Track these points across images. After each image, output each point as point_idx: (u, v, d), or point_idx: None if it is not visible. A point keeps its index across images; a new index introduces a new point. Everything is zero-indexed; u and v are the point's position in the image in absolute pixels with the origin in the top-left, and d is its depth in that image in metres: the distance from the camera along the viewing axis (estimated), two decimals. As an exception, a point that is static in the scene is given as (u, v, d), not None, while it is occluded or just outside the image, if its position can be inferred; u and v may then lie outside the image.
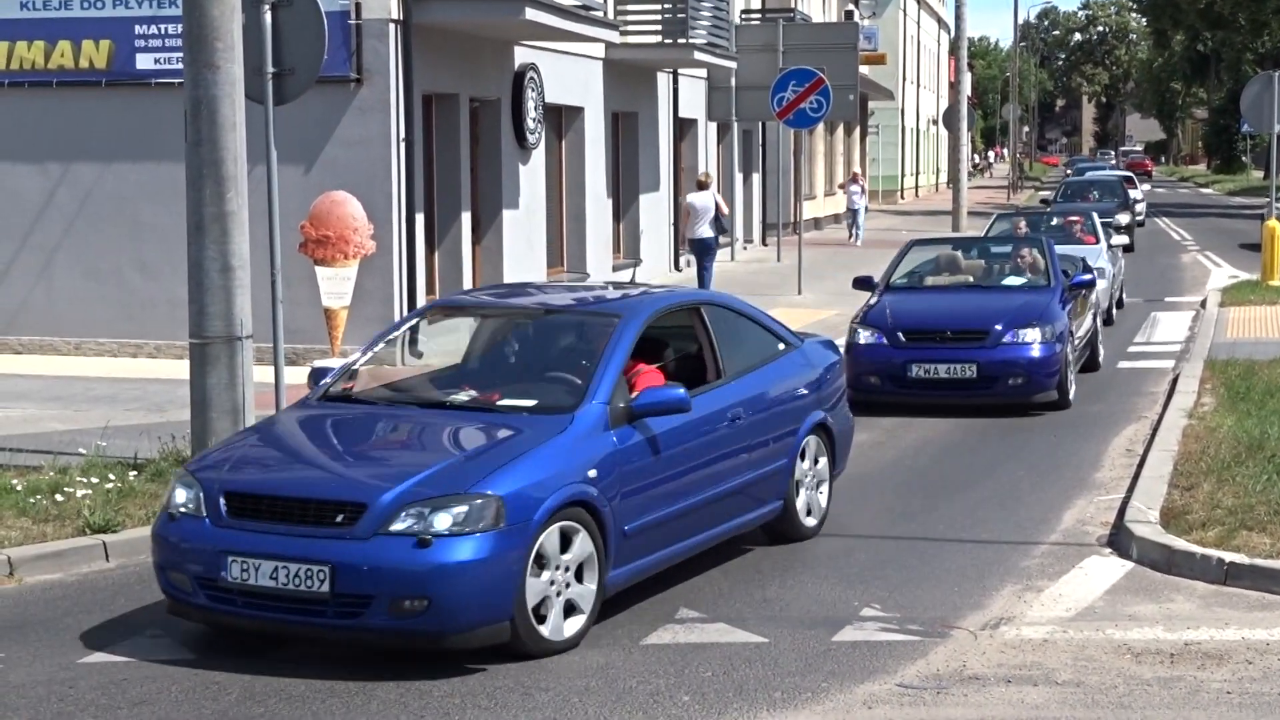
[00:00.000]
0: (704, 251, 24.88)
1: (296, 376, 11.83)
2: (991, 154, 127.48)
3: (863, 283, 17.04)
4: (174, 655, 7.86)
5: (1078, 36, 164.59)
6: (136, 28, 18.28)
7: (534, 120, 22.02)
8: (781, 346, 10.29)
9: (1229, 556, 9.12)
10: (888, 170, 63.67)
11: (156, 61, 18.24)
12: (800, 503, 10.14)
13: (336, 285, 16.92)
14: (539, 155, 22.58)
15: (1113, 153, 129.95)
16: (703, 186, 25.51)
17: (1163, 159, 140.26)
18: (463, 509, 7.46)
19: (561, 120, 24.73)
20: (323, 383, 9.18)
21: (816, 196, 45.95)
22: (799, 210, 31.55)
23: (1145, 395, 16.07)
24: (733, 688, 7.39)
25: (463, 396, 8.85)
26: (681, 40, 26.94)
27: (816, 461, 10.36)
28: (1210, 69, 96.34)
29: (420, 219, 18.70)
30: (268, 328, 11.85)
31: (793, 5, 36.57)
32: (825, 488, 10.50)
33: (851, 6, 49.39)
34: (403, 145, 18.12)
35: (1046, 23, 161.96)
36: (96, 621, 8.45)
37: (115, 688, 7.39)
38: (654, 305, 9.36)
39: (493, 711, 7.12)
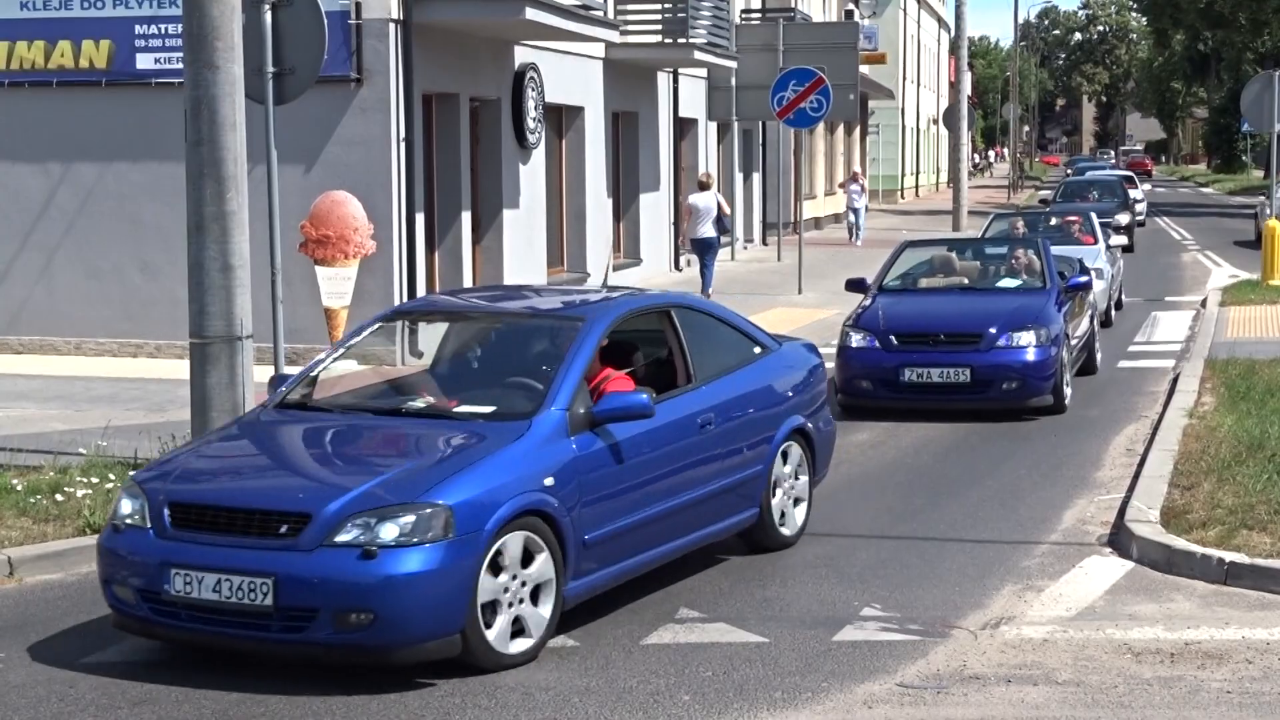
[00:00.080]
0: (706, 251, 24.91)
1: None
2: (992, 153, 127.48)
3: (855, 284, 16.76)
4: (174, 654, 7.84)
5: (1078, 36, 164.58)
6: (137, 27, 18.29)
7: (534, 120, 22.03)
8: (757, 350, 10.02)
9: (1229, 556, 9.12)
10: (888, 170, 63.66)
11: (157, 61, 18.25)
12: (777, 510, 9.86)
13: (337, 285, 16.91)
14: (539, 155, 22.59)
15: (1112, 152, 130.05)
16: (704, 187, 25.56)
17: (1163, 158, 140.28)
18: (410, 519, 7.25)
19: (562, 120, 24.74)
20: (279, 390, 8.99)
21: (817, 196, 45.95)
22: (799, 210, 31.55)
23: (1145, 395, 16.07)
24: (733, 687, 7.39)
25: (419, 404, 8.70)
26: (682, 40, 26.94)
27: (795, 468, 10.08)
28: (1210, 68, 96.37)
29: (420, 219, 18.71)
30: (268, 327, 11.85)
31: (793, 5, 36.56)
32: (805, 494, 10.21)
33: (851, 6, 49.39)
34: (403, 145, 18.12)
35: (1047, 22, 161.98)
36: (96, 621, 8.44)
37: (115, 687, 7.39)
38: (619, 309, 9.10)
39: (493, 711, 7.12)
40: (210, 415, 10.67)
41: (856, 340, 15.05)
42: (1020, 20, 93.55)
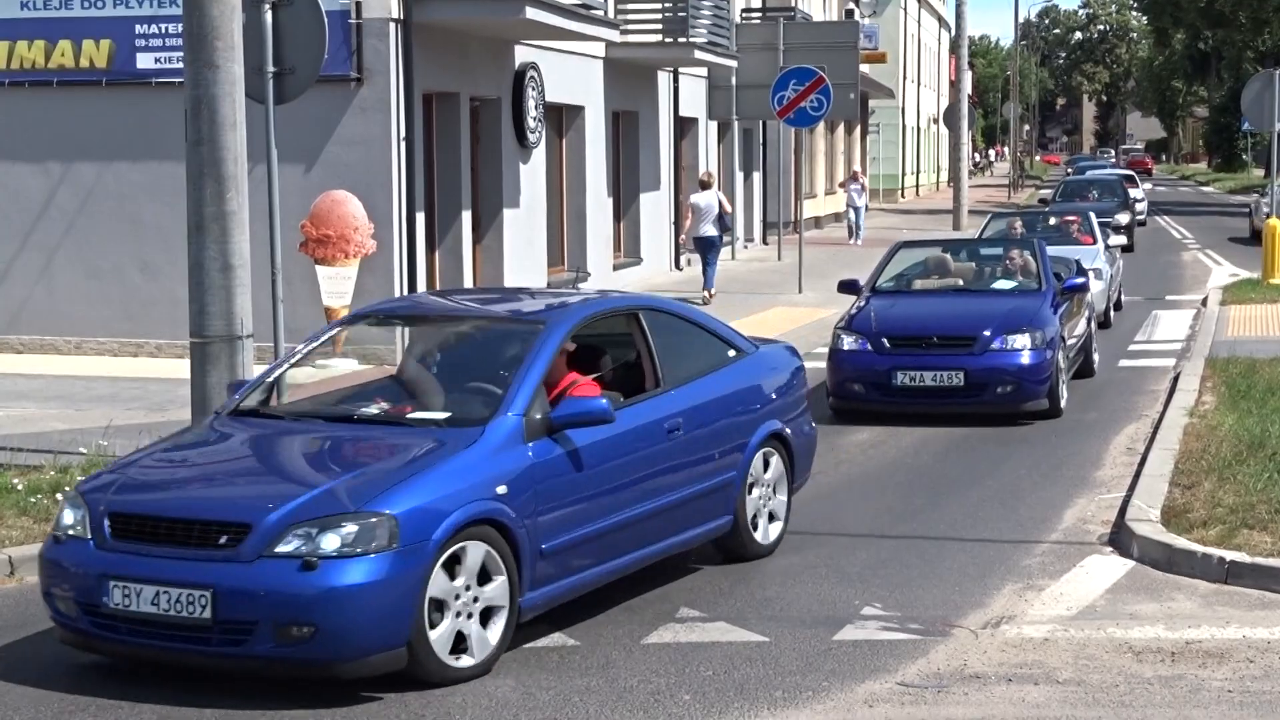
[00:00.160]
0: (708, 250, 24.94)
1: (297, 376, 11.82)
2: (992, 153, 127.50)
3: (848, 286, 16.52)
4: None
5: (1078, 35, 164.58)
6: (137, 27, 18.29)
7: (534, 119, 22.03)
8: (731, 353, 9.76)
9: (1230, 555, 9.12)
10: (888, 169, 63.66)
11: (157, 61, 18.24)
12: (752, 518, 9.60)
13: (337, 284, 16.91)
14: (539, 154, 22.59)
15: (1112, 151, 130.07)
16: (705, 186, 25.56)
17: (1163, 157, 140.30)
18: (352, 529, 7.05)
19: (562, 119, 24.74)
20: (233, 397, 8.83)
21: (817, 195, 45.94)
22: (799, 209, 31.54)
23: (1146, 394, 16.06)
24: (733, 687, 7.39)
25: (373, 410, 8.48)
26: (682, 39, 26.94)
27: (772, 475, 9.82)
28: (1211, 67, 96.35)
29: (421, 218, 18.71)
30: (268, 327, 11.85)
31: (793, 4, 36.53)
32: (782, 502, 9.95)
33: (852, 5, 49.38)
34: (403, 144, 18.12)
35: (1047, 21, 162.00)
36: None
37: (116, 686, 7.38)
38: (580, 313, 8.86)
39: (493, 711, 7.12)
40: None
41: (848, 343, 14.82)
42: (1021, 19, 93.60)
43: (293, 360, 9.17)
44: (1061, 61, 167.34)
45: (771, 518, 9.86)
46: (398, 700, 7.19)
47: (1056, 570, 9.45)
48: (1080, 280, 16.62)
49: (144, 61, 18.31)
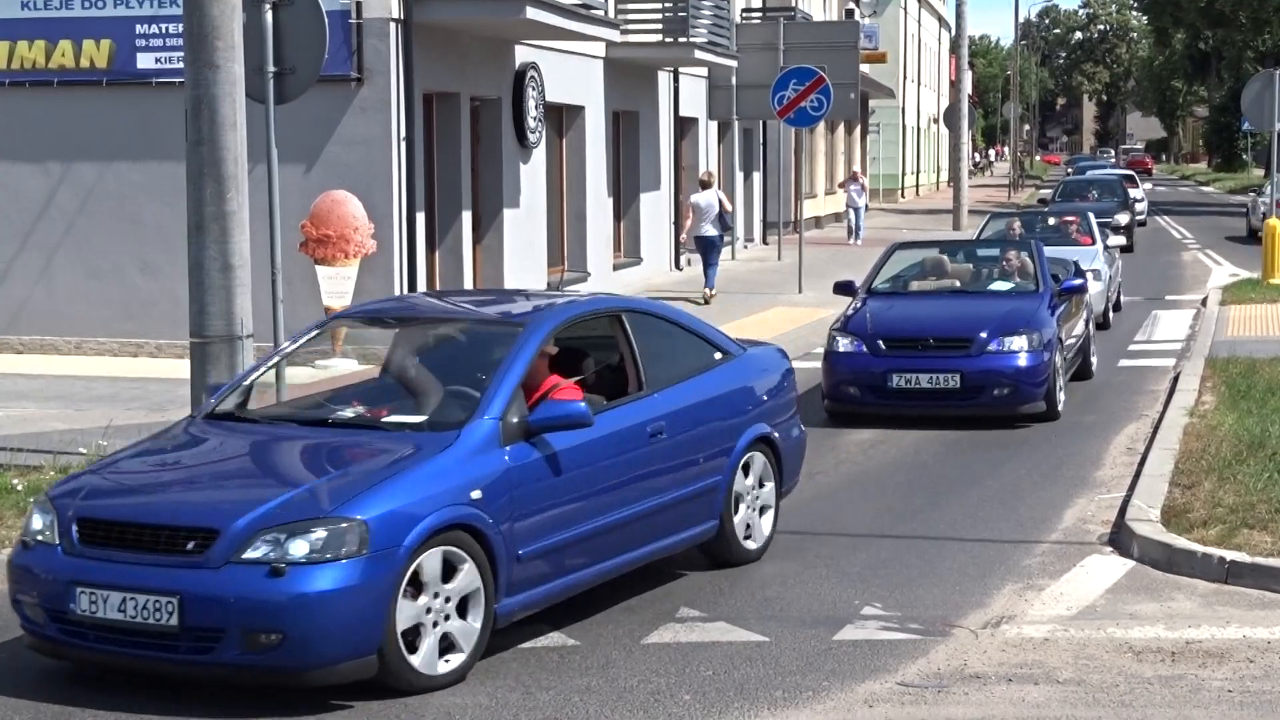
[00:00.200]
0: (709, 249, 24.96)
1: (297, 376, 11.83)
2: (992, 152, 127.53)
3: (843, 287, 16.36)
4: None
5: (1078, 35, 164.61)
6: (137, 27, 18.29)
7: (535, 119, 22.03)
8: (718, 355, 9.62)
9: (1230, 555, 9.12)
10: (888, 169, 63.66)
11: (157, 61, 18.25)
12: (739, 523, 9.44)
13: (337, 285, 16.91)
14: (540, 154, 22.58)
15: (1112, 151, 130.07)
16: (705, 185, 25.61)
17: (1164, 157, 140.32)
18: (321, 534, 6.95)
19: (562, 119, 24.74)
20: (209, 400, 8.73)
21: (817, 195, 45.94)
22: (799, 209, 31.54)
23: (1146, 394, 16.06)
24: (734, 687, 7.39)
25: (348, 413, 8.36)
26: (682, 39, 26.94)
27: (759, 479, 9.68)
28: (1211, 67, 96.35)
29: (421, 218, 18.71)
30: (268, 327, 11.85)
31: (793, 4, 36.53)
32: (770, 506, 9.80)
33: (852, 5, 49.38)
34: (403, 144, 18.12)
35: (1047, 21, 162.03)
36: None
37: (117, 685, 7.37)
38: (561, 316, 8.72)
39: (493, 710, 7.12)
40: (211, 415, 10.67)
41: (843, 345, 14.67)
42: (1021, 19, 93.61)
43: (271, 363, 9.07)
44: (1062, 61, 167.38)
45: (760, 520, 9.72)
46: (398, 702, 7.18)
47: (1056, 570, 9.45)
48: (1078, 281, 16.46)
49: (144, 61, 18.31)
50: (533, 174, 22.33)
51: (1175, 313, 23.91)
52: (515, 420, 7.86)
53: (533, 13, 18.81)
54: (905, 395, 14.36)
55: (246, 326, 10.67)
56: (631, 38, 26.49)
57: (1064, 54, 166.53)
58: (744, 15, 35.06)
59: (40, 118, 18.72)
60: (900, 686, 7.39)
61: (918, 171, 73.31)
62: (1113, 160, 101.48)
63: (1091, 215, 24.88)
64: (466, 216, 20.41)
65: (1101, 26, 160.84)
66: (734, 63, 30.31)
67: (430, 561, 7.25)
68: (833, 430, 14.16)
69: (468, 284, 20.30)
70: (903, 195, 65.57)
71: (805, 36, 31.15)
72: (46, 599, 7.30)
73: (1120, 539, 9.99)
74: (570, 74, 23.92)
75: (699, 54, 27.31)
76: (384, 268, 17.79)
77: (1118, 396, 16.01)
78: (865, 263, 24.38)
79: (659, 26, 27.05)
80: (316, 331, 9.47)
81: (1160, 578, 9.21)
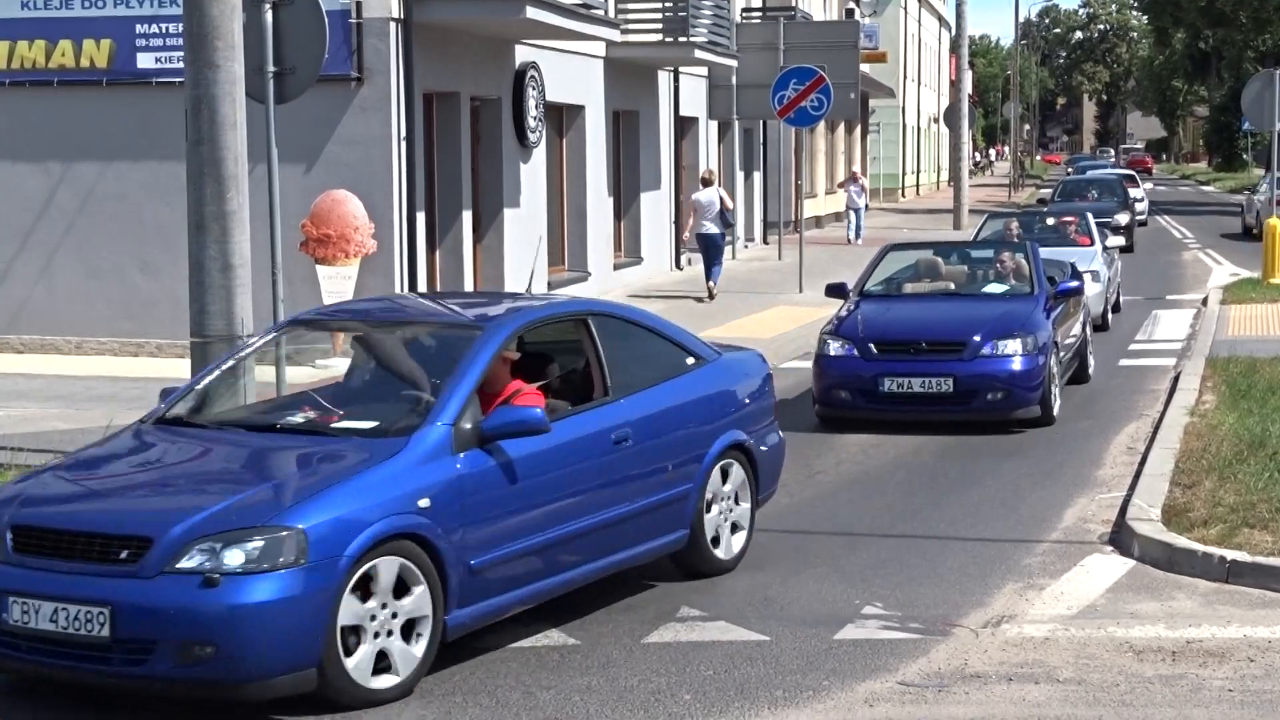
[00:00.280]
0: (710, 246, 25.00)
1: (297, 376, 11.82)
2: (993, 152, 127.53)
3: (835, 290, 15.99)
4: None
5: (1079, 34, 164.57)
6: (137, 27, 18.30)
7: (535, 119, 22.03)
8: (690, 360, 9.36)
9: (1231, 554, 9.12)
10: (889, 168, 63.67)
11: (157, 60, 18.25)
12: (710, 532, 9.19)
13: (338, 284, 16.92)
14: (540, 154, 22.59)
15: (1112, 150, 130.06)
16: (707, 183, 25.70)
17: (1164, 157, 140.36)
18: (258, 544, 6.74)
19: (562, 119, 24.74)
20: (159, 405, 8.52)
21: (817, 195, 45.95)
22: (800, 208, 31.55)
23: (1146, 393, 16.06)
24: (734, 686, 7.39)
25: (298, 419, 8.17)
26: (682, 39, 26.94)
27: (734, 487, 9.40)
28: (1211, 67, 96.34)
29: (421, 218, 18.71)
30: (269, 327, 11.83)
31: (793, 3, 36.54)
32: (745, 516, 9.53)
33: (852, 4, 49.38)
34: (404, 144, 18.12)
35: (1047, 21, 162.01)
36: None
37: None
38: (521, 319, 8.52)
39: (494, 710, 7.12)
40: (211, 414, 10.65)
41: (834, 348, 14.39)
42: (1021, 19, 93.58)
43: (226, 365, 8.87)
44: (1062, 61, 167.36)
45: (734, 530, 9.46)
46: (399, 702, 7.18)
47: (1057, 569, 9.45)
48: (1074, 284, 16.19)
49: (144, 61, 18.32)
50: (533, 174, 22.33)
51: (1176, 312, 23.91)
52: (469, 426, 7.66)
53: (533, 12, 18.82)
54: (897, 400, 14.11)
55: (247, 326, 10.66)
56: (631, 37, 26.50)
57: (1064, 54, 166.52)
58: (744, 15, 35.06)
59: (40, 118, 18.72)
60: (901, 686, 7.39)
61: (918, 171, 73.32)
62: (1113, 160, 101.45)
63: (1090, 215, 24.66)
64: (467, 216, 20.41)
65: (1101, 26, 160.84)
66: (734, 62, 30.31)
67: (373, 572, 7.04)
68: (833, 430, 14.15)
69: (468, 283, 20.31)
70: (903, 195, 65.58)
71: (805, 36, 31.16)
72: None
73: (1121, 538, 9.99)
74: (570, 74, 23.92)
75: (699, 54, 27.32)
76: (384, 267, 17.80)
77: (1118, 396, 16.01)
78: (865, 263, 24.42)
79: (659, 26, 27.06)
80: (273, 334, 9.29)
81: (1161, 577, 9.21)
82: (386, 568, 7.09)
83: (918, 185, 72.36)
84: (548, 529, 7.96)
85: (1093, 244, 22.71)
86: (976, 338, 14.13)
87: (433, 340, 8.70)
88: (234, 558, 6.73)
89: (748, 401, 9.68)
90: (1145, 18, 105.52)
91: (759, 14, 35.72)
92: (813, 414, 14.58)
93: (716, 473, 9.25)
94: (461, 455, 7.57)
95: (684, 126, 31.30)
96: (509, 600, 7.81)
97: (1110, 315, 22.06)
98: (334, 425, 7.99)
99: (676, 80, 30.00)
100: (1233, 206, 56.12)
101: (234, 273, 10.59)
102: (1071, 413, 14.92)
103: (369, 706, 7.04)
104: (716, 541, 9.30)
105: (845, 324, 14.81)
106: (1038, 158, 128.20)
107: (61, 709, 7.16)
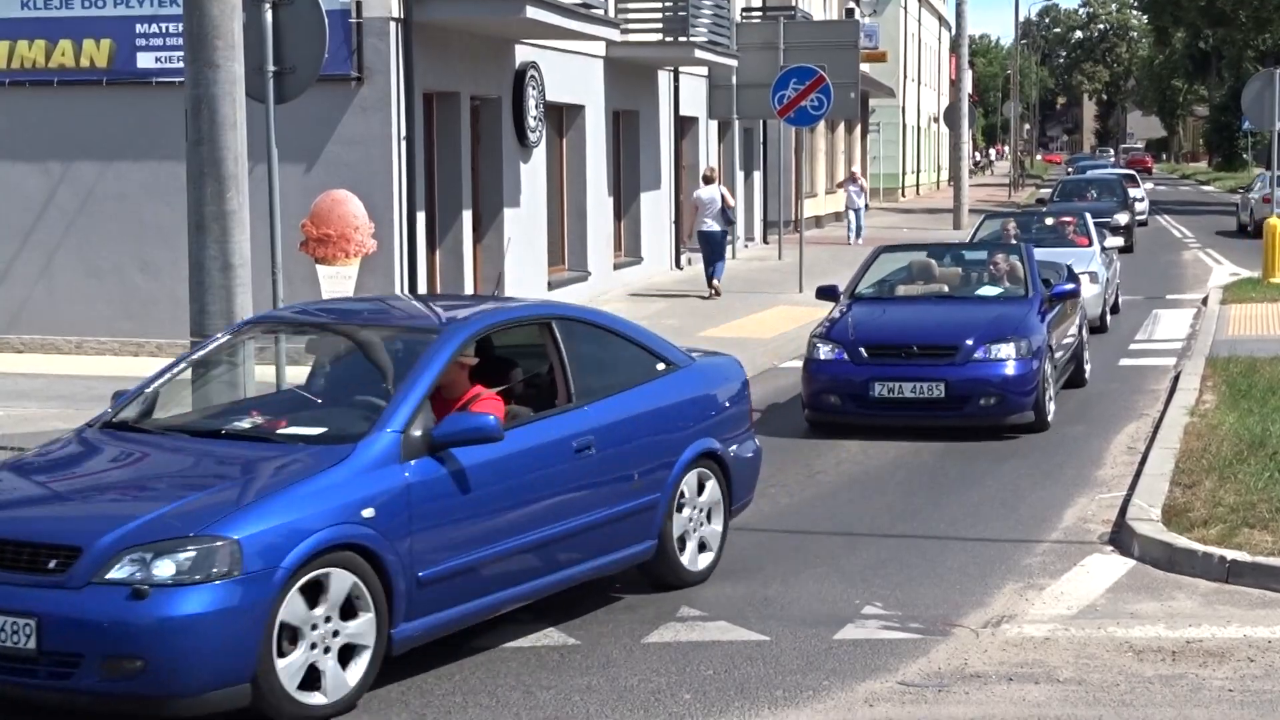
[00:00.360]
0: (712, 244, 25.03)
1: (297, 376, 11.83)
2: (993, 152, 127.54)
3: (826, 292, 15.59)
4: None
5: (1079, 34, 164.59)
6: (137, 26, 18.29)
7: (535, 118, 22.03)
8: (660, 366, 9.09)
9: (1231, 554, 9.12)
10: (889, 168, 63.67)
11: (157, 60, 18.24)
12: (679, 542, 8.92)
13: (338, 284, 16.90)
14: (540, 153, 22.58)
15: (1112, 150, 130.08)
16: (708, 181, 25.77)
17: (1164, 156, 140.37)
18: (190, 554, 6.53)
19: (562, 118, 24.74)
20: (107, 409, 8.29)
21: (817, 194, 45.95)
22: (800, 208, 31.55)
23: (1146, 393, 16.06)
24: (734, 686, 7.39)
25: (244, 424, 7.97)
26: (682, 38, 26.94)
27: (706, 497, 9.15)
28: (1211, 66, 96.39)
29: (421, 217, 18.70)
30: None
31: (793, 3, 36.53)
32: (718, 526, 9.27)
33: (852, 4, 49.37)
34: (404, 144, 18.12)
35: (1047, 20, 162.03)
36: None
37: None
38: (479, 323, 8.28)
39: (494, 710, 7.12)
40: (211, 414, 10.65)
41: (824, 352, 14.12)
42: (1021, 18, 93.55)
43: (179, 368, 8.66)
44: (1062, 60, 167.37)
45: (703, 545, 9.18)
46: (399, 699, 7.19)
47: (1057, 569, 9.45)
48: (1070, 286, 15.89)
49: (144, 61, 18.31)
50: (533, 173, 22.33)
51: (1176, 312, 23.90)
52: (419, 434, 7.42)
53: (533, 12, 18.81)
54: (888, 405, 13.85)
55: (247, 326, 10.65)
56: (632, 37, 26.50)
57: (1064, 53, 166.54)
58: (744, 14, 35.06)
59: (40, 118, 18.72)
60: (901, 686, 7.39)
61: (918, 171, 73.32)
62: (1113, 159, 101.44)
63: (1089, 216, 24.40)
64: (467, 216, 20.41)
65: (1101, 26, 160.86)
66: (734, 62, 30.32)
67: (313, 585, 6.82)
68: (832, 431, 14.12)
69: (468, 283, 20.31)
70: (903, 194, 65.57)
71: (805, 36, 31.17)
72: None
73: (1121, 538, 9.99)
74: (570, 73, 23.92)
75: (699, 53, 27.32)
76: (384, 267, 17.79)
77: (1118, 396, 16.01)
78: (865, 262, 24.41)
79: (659, 26, 27.05)
80: (229, 335, 9.12)
81: (1161, 577, 9.21)
82: (329, 580, 6.89)
83: (918, 185, 72.35)
84: (503, 540, 7.71)
85: (1091, 244, 22.48)
86: (969, 341, 13.87)
87: (387, 344, 8.36)
88: (164, 569, 6.53)
89: (722, 409, 9.42)
90: (1145, 17, 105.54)
91: (759, 13, 35.72)
92: (801, 421, 14.47)
93: (688, 481, 8.99)
94: (411, 463, 7.34)
95: (684, 126, 31.30)
96: (461, 613, 7.57)
97: (1109, 317, 21.79)
98: (280, 431, 7.77)
99: (676, 80, 30.00)
100: (1232, 206, 56.21)
101: (234, 272, 10.60)
102: (1071, 413, 14.91)
103: None
104: (684, 551, 9.03)
105: (835, 327, 14.54)
106: (1038, 157, 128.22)
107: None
